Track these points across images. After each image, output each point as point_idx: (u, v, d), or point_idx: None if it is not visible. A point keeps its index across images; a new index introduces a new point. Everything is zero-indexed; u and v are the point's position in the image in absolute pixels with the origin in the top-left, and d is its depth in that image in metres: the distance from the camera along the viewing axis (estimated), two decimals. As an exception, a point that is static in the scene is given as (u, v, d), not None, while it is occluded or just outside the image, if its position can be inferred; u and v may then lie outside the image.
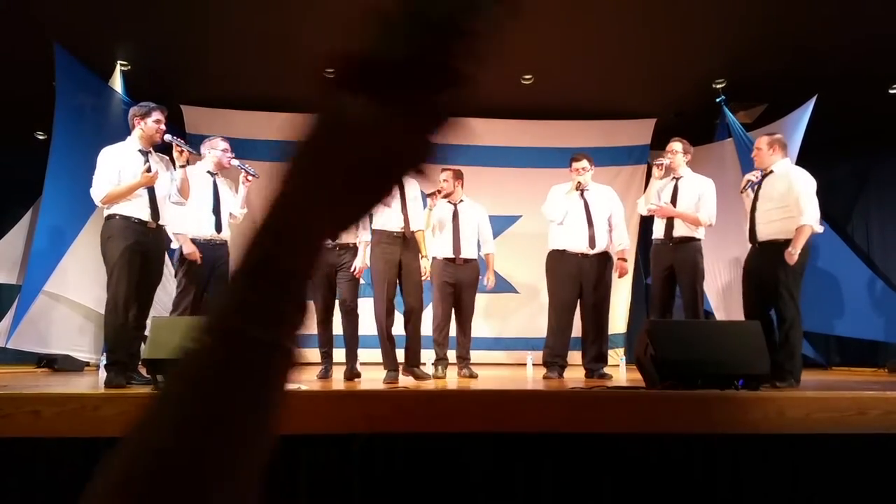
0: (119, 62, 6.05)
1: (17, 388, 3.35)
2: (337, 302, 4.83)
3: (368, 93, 0.47)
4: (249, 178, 4.82)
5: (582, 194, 5.06)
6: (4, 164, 7.63)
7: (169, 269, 4.88)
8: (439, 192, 5.16)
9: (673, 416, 2.72)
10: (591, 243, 4.96)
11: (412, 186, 4.72)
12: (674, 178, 5.03)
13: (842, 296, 6.34)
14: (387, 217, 4.56)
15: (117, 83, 6.08)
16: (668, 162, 5.01)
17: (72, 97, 5.52)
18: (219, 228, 4.68)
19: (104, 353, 5.37)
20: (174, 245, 4.60)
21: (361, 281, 4.95)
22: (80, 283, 5.68)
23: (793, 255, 4.13)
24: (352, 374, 4.65)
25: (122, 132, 5.94)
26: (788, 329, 4.18)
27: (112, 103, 6.01)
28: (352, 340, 4.78)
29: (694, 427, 2.70)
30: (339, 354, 5.01)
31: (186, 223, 4.56)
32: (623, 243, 5.15)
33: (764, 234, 4.35)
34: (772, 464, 2.67)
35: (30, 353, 5.86)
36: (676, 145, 5.04)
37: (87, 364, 5.94)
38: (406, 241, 4.56)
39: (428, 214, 5.13)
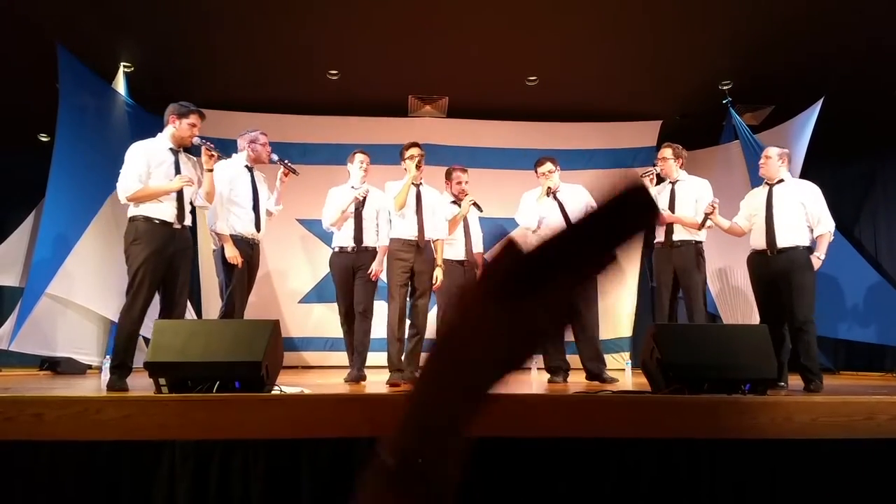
0: (122, 64, 6.05)
1: (19, 390, 3.34)
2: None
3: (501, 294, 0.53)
4: (289, 174, 4.82)
5: (555, 197, 5.05)
6: (7, 167, 7.63)
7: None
8: (462, 194, 5.18)
9: (679, 421, 2.69)
10: None
11: (431, 195, 4.75)
12: (670, 182, 5.04)
13: (849, 299, 6.31)
14: (403, 225, 4.66)
15: (120, 85, 6.09)
16: (658, 170, 5.03)
17: (75, 99, 5.51)
18: (258, 227, 4.66)
19: (107, 356, 5.37)
20: (214, 246, 4.58)
21: (383, 281, 4.96)
22: (83, 286, 5.67)
23: (821, 260, 4.37)
24: (357, 378, 4.68)
25: (125, 134, 5.97)
26: (807, 334, 4.23)
27: (115, 105, 6.01)
28: (362, 344, 4.84)
29: (700, 432, 2.67)
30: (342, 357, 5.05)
31: (229, 221, 4.52)
32: None
33: (784, 240, 4.40)
34: (779, 469, 2.64)
35: (32, 355, 5.85)
36: (666, 151, 5.09)
37: (90, 367, 5.94)
38: (419, 249, 4.63)
39: (457, 221, 5.12)
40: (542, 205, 5.02)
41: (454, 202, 5.20)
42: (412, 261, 4.62)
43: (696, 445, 2.65)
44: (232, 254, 4.43)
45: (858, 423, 2.70)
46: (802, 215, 4.43)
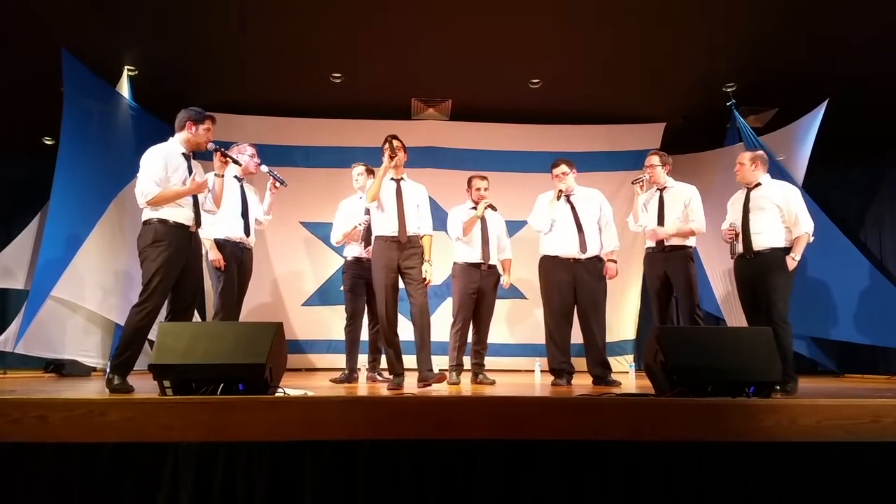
0: (126, 67, 6.08)
1: (24, 392, 3.35)
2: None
3: None
4: (277, 185, 4.96)
5: (568, 199, 5.06)
6: (13, 170, 7.67)
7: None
8: (481, 200, 5.19)
9: (683, 424, 2.69)
10: (583, 247, 4.95)
11: (417, 192, 4.71)
12: (658, 189, 5.05)
13: (854, 303, 6.27)
14: (384, 222, 4.55)
15: (124, 88, 6.12)
16: (647, 178, 5.05)
17: (79, 102, 5.53)
18: (247, 232, 4.83)
19: (111, 358, 5.39)
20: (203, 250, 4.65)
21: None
22: (87, 289, 5.69)
23: (795, 260, 4.35)
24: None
25: (130, 137, 5.99)
26: (780, 336, 4.20)
27: (119, 108, 6.04)
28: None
29: (704, 435, 2.67)
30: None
31: (217, 226, 4.67)
32: (612, 245, 5.12)
33: (759, 243, 4.45)
34: (783, 472, 2.64)
35: (37, 357, 5.87)
36: (654, 158, 5.13)
37: (94, 369, 5.95)
38: (401, 246, 4.51)
39: (475, 221, 5.13)
40: (555, 208, 5.02)
41: (473, 208, 5.25)
42: (397, 258, 4.50)
43: (699, 448, 2.64)
44: (214, 257, 4.63)
45: (863, 426, 2.69)
46: (778, 218, 4.44)
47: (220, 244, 4.69)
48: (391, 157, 4.51)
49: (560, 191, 5.01)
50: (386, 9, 5.26)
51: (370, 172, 5.35)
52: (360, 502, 2.51)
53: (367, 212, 5.13)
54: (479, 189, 5.25)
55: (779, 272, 4.34)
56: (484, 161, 7.28)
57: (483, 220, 5.24)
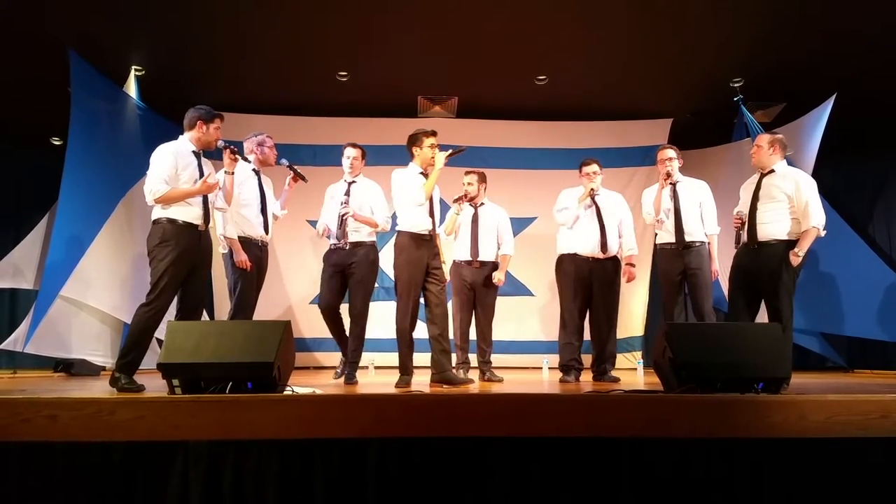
0: (133, 67, 6.10)
1: (34, 392, 3.37)
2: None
3: None
4: (297, 180, 4.88)
5: (593, 199, 5.07)
6: (21, 170, 7.70)
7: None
8: (466, 196, 5.17)
9: (691, 421, 2.68)
10: (604, 248, 4.95)
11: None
12: (670, 183, 5.02)
13: (863, 298, 6.25)
14: (415, 218, 4.36)
15: (132, 88, 6.14)
16: (670, 170, 5.00)
17: (87, 102, 5.55)
18: (266, 230, 4.73)
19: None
20: (222, 249, 4.61)
21: (377, 286, 5.00)
22: (96, 288, 5.71)
23: (798, 256, 4.11)
24: (349, 381, 4.68)
25: (137, 137, 6.01)
26: (784, 331, 4.13)
27: (127, 108, 6.06)
28: (356, 351, 4.78)
29: (713, 431, 2.66)
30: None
31: (239, 224, 4.57)
32: (632, 249, 5.16)
33: (764, 234, 4.28)
34: (792, 468, 2.63)
35: (47, 357, 5.90)
36: (671, 151, 5.09)
37: (104, 368, 5.97)
38: (429, 244, 4.39)
39: (454, 219, 5.13)
40: (583, 206, 5.05)
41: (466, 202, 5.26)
42: (426, 257, 4.32)
43: (708, 445, 2.63)
44: (242, 258, 4.51)
45: (873, 421, 2.68)
46: (787, 208, 4.23)
47: (243, 243, 4.55)
48: (447, 158, 4.35)
49: (592, 189, 5.02)
50: (391, 6, 5.25)
51: (363, 156, 5.10)
52: (370, 500, 2.51)
53: (347, 193, 4.89)
54: (463, 185, 5.25)
55: (779, 269, 4.13)
56: (491, 158, 7.27)
57: (475, 216, 5.24)
